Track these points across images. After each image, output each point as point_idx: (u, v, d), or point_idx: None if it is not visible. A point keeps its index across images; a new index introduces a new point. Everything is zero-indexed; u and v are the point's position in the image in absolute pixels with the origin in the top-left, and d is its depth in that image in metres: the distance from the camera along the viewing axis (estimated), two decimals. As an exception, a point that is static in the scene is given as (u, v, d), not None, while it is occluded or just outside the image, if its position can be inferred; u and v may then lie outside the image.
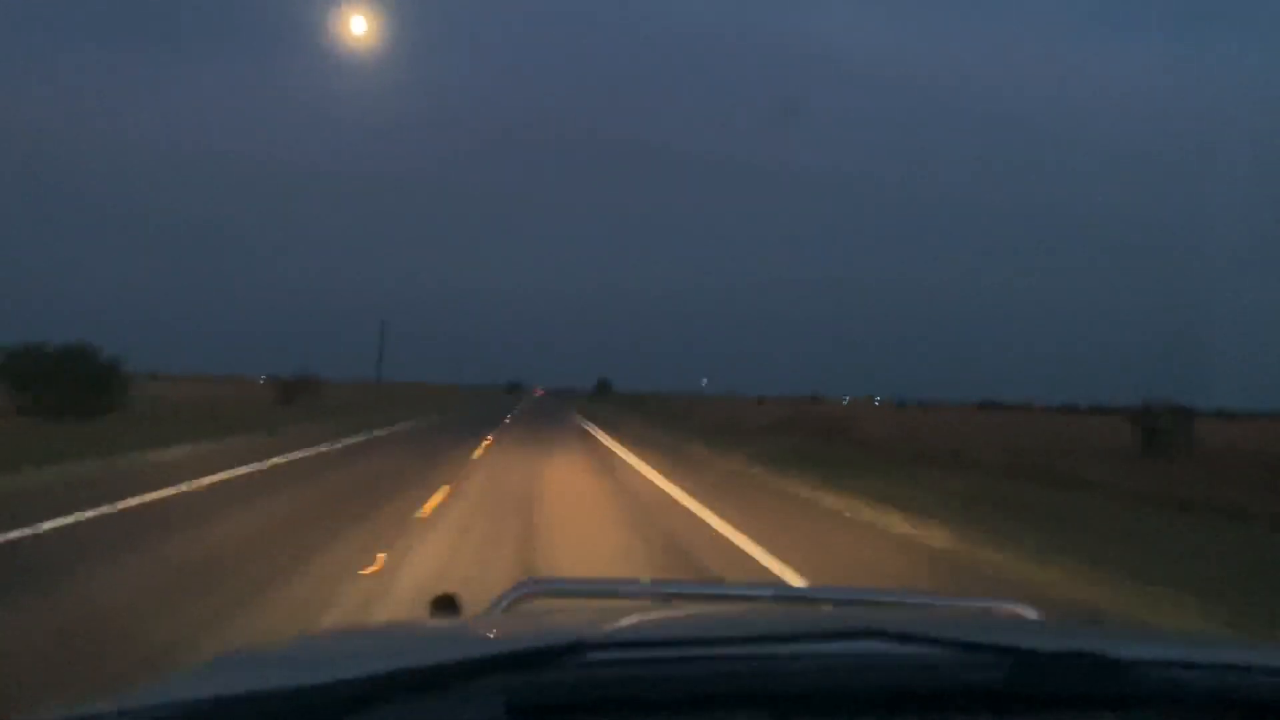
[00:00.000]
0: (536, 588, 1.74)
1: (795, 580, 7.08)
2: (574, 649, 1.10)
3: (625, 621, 1.49)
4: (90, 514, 9.28)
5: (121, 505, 9.93)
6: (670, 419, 41.94)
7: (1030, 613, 1.73)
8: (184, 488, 11.67)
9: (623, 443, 24.87)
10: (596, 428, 33.88)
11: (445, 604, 1.73)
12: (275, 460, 16.17)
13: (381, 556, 7.33)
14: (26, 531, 8.15)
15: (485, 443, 22.53)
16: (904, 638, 1.19)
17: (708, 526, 9.95)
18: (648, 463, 18.20)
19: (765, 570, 7.53)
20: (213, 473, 13.38)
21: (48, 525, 8.50)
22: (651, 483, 14.52)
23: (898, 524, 10.39)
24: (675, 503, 12.01)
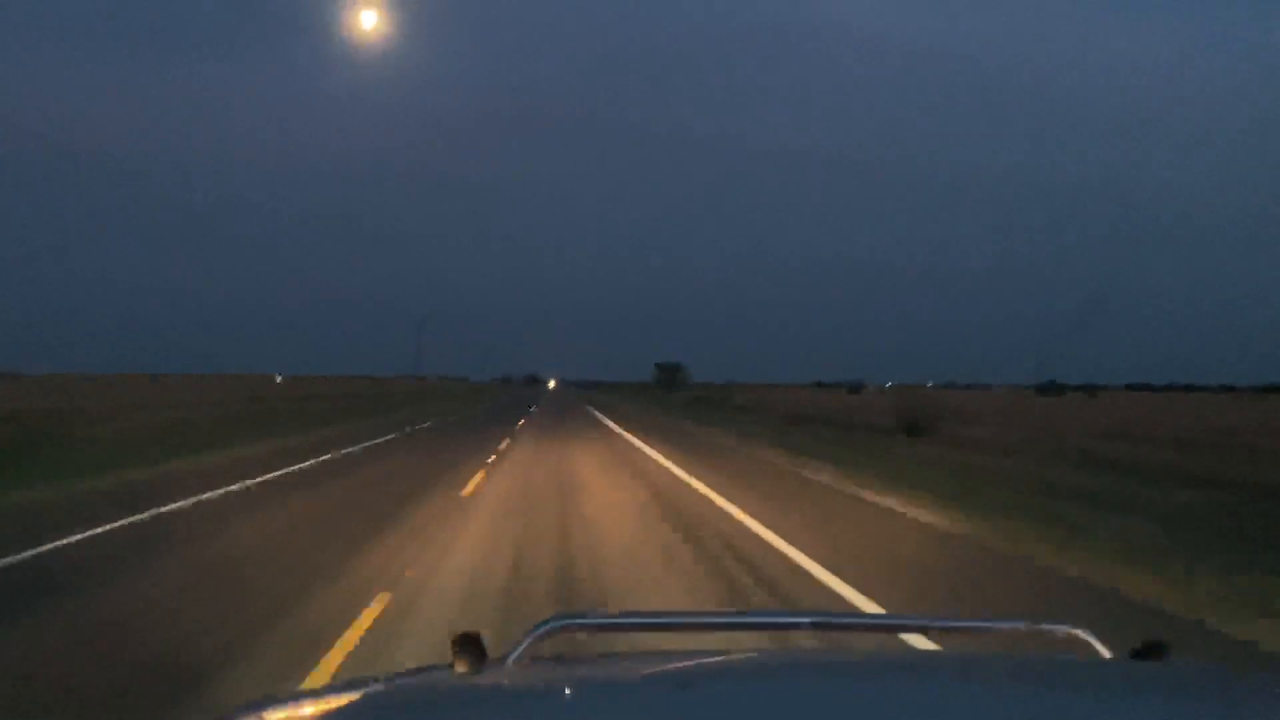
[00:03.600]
0: (566, 623, 1.65)
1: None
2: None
3: (665, 669, 1.60)
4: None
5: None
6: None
7: (1090, 638, 1.65)
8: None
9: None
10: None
11: (469, 644, 1.59)
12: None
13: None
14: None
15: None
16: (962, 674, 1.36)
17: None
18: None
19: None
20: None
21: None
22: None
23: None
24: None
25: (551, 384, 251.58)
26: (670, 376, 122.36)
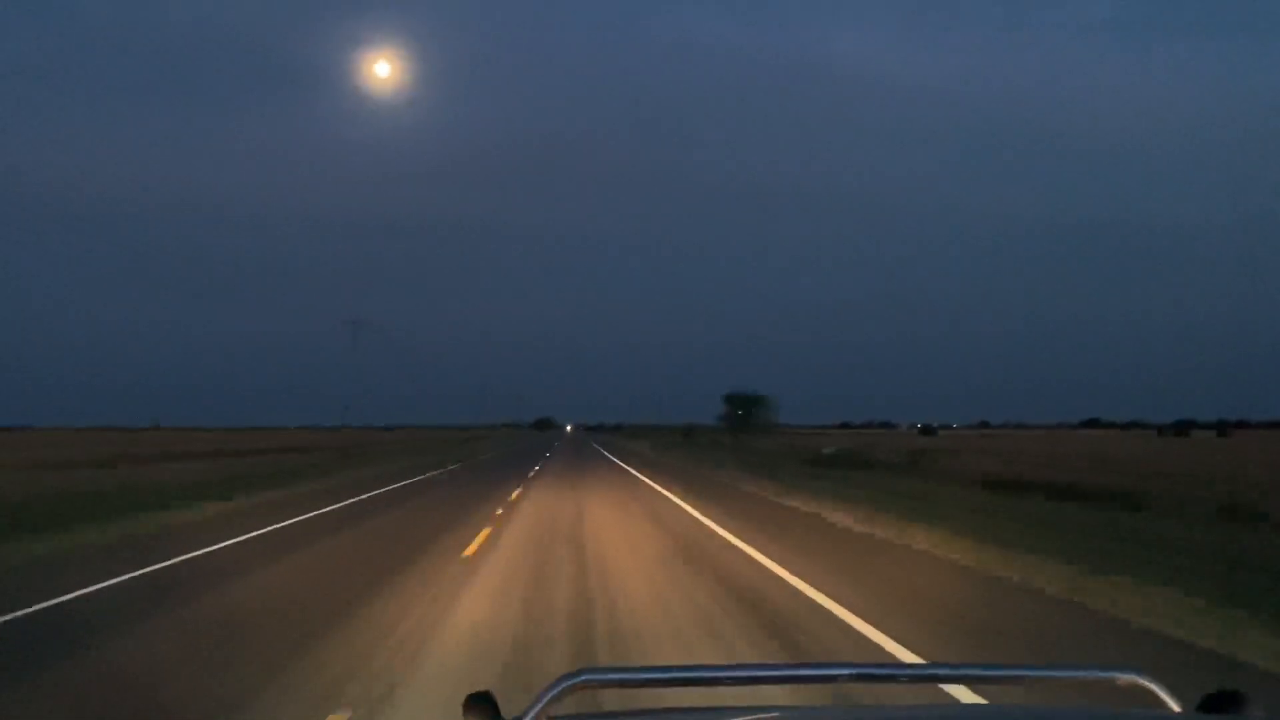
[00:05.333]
0: (586, 679, 1.52)
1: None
2: None
3: None
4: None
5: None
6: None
7: (1155, 687, 1.51)
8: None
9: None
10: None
11: (481, 704, 1.52)
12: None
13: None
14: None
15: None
16: None
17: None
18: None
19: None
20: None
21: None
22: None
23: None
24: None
25: (568, 428, 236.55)
26: (747, 413, 79.89)
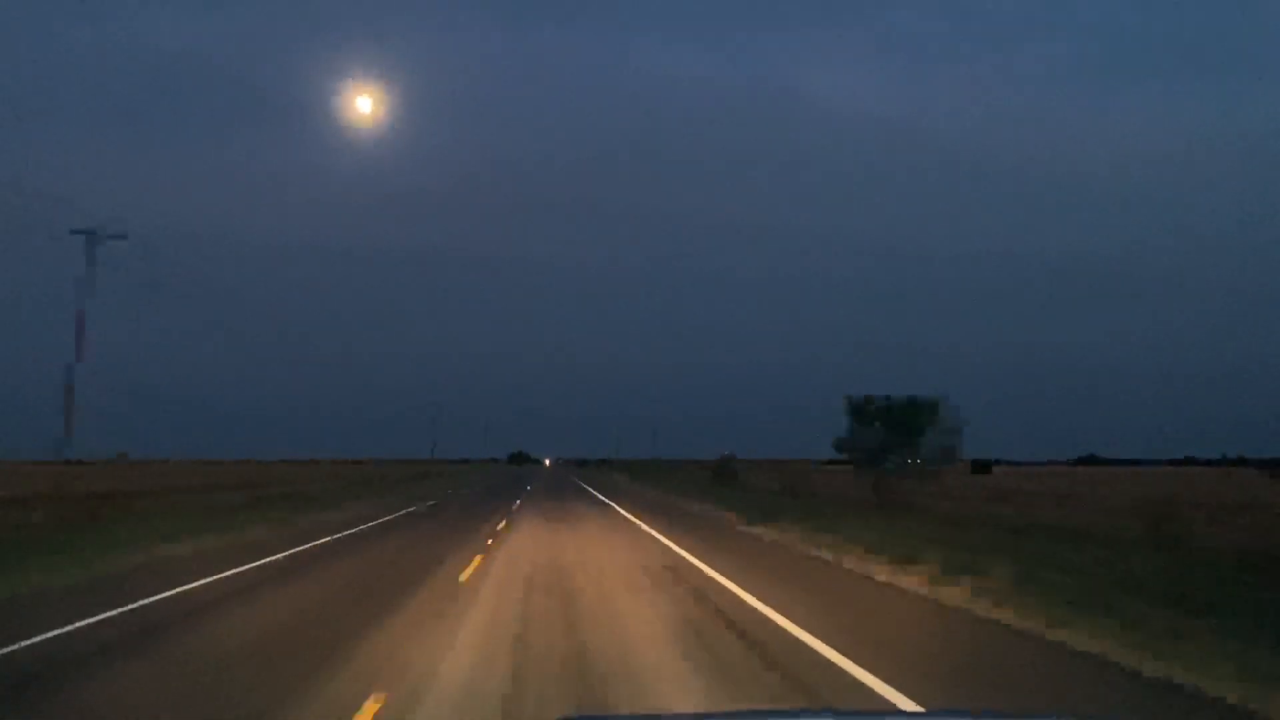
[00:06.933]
0: None
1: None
2: None
3: None
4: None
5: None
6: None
7: None
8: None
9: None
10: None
11: None
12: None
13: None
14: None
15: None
16: None
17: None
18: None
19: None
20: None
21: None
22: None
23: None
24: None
25: (546, 463, 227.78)
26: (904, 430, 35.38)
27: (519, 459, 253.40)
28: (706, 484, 57.51)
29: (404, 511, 31.91)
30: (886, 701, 6.77)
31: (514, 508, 33.59)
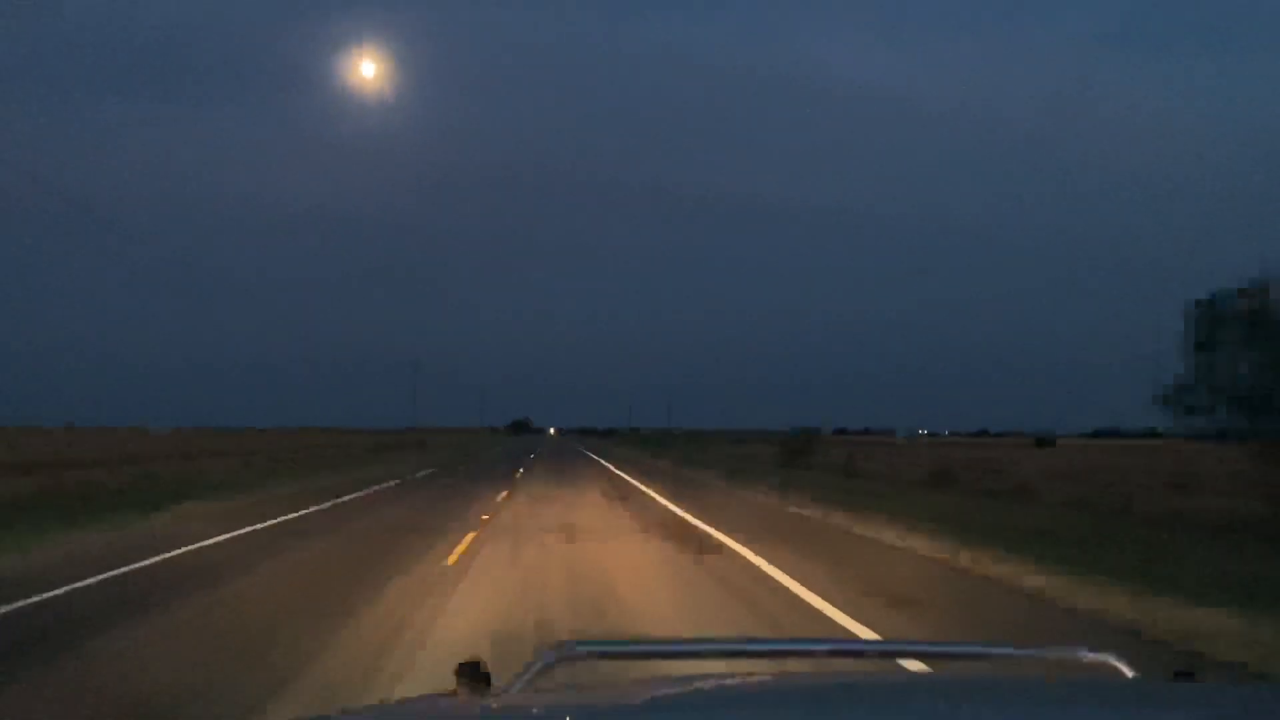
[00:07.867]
0: (572, 652, 1.55)
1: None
2: None
3: (670, 691, 1.53)
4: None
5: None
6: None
7: (1121, 664, 1.58)
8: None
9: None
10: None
11: (472, 671, 1.57)
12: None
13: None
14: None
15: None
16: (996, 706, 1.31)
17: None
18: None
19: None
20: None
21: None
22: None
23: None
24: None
25: (551, 431, 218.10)
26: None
27: (520, 428, 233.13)
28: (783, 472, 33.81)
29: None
30: None
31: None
